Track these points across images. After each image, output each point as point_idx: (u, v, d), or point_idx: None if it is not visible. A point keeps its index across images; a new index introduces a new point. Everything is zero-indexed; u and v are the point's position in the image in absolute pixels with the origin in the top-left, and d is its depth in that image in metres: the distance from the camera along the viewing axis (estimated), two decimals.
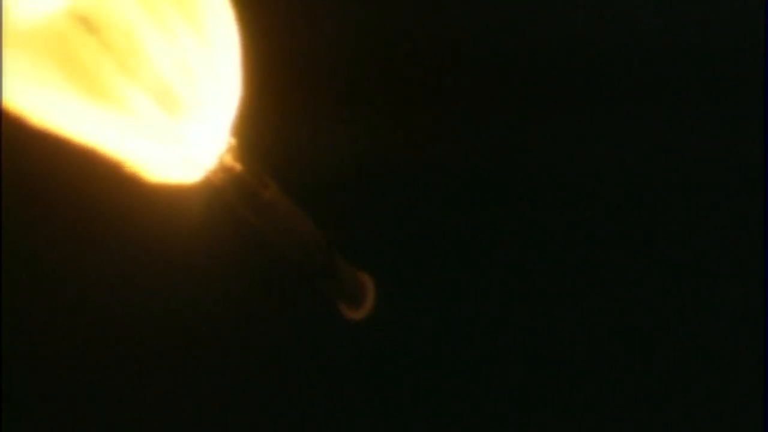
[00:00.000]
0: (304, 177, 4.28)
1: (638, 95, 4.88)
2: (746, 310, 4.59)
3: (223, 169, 3.39)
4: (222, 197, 3.48)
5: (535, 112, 4.83)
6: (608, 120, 4.86)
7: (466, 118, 4.77)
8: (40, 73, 3.30)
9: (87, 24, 3.33)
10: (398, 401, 4.64)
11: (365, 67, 4.71)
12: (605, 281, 4.69)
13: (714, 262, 4.70)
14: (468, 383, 4.64)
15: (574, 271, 4.70)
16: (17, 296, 4.48)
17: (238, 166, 3.42)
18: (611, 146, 4.84)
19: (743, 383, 4.51)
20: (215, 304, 4.51)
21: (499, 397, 4.61)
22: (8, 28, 3.28)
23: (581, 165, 4.81)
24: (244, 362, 4.55)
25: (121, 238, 4.40)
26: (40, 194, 4.37)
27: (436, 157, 4.74)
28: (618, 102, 4.87)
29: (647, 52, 4.89)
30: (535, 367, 4.63)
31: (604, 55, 4.85)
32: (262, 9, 3.63)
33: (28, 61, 3.30)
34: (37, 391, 4.48)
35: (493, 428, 4.60)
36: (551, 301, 4.68)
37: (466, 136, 4.77)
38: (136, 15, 3.35)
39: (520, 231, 4.72)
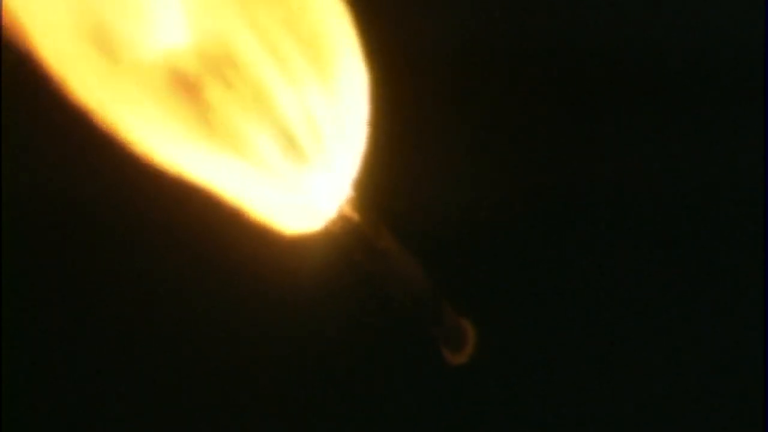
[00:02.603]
0: (417, 225, 4.32)
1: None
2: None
3: (342, 218, 3.43)
4: (339, 244, 3.51)
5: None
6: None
7: (571, 175, 4.75)
8: (162, 112, 3.34)
9: (212, 65, 3.36)
10: None
11: (481, 122, 4.73)
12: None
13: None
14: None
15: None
16: (140, 326, 4.61)
17: (356, 216, 3.45)
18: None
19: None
20: (328, 345, 4.58)
21: None
22: (131, 64, 3.32)
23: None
24: (350, 402, 4.60)
25: (238, 280, 4.48)
26: (164, 238, 4.46)
27: (544, 212, 4.74)
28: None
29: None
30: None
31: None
32: (388, 63, 3.65)
33: (150, 98, 3.34)
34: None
35: None
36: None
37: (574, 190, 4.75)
38: (263, 61, 3.38)
39: (624, 278, 4.69)
